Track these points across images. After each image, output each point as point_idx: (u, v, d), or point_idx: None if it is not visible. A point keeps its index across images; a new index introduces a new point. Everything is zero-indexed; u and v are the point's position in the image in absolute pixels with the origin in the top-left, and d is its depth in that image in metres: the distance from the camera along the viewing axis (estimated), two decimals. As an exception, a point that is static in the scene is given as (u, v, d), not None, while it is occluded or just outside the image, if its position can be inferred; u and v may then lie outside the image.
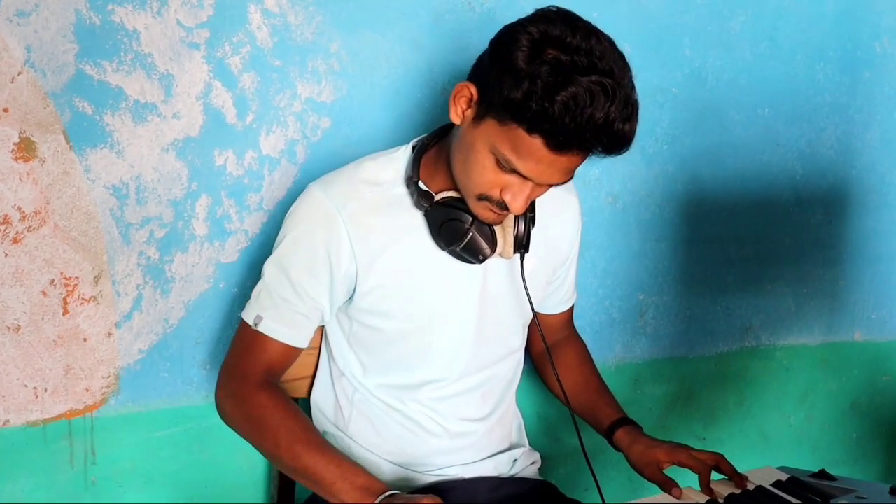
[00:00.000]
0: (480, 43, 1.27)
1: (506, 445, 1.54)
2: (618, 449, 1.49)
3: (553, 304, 1.63)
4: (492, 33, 1.24)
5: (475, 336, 1.44)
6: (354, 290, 1.38)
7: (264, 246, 1.60)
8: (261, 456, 1.62)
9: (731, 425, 2.26)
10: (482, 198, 1.27)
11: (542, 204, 1.40)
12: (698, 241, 2.08)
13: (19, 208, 1.42)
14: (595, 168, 1.91)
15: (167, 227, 1.54)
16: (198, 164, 1.54)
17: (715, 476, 1.39)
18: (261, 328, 1.36)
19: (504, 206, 1.26)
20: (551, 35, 1.14)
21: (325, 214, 1.34)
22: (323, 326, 1.48)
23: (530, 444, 1.61)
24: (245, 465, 1.68)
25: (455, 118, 1.26)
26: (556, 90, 1.11)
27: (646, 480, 1.44)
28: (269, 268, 1.38)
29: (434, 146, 1.38)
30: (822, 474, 1.42)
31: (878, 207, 2.33)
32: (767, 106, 2.10)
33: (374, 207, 1.35)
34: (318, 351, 1.54)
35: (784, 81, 2.10)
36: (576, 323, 1.72)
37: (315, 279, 1.35)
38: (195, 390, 1.61)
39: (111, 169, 1.48)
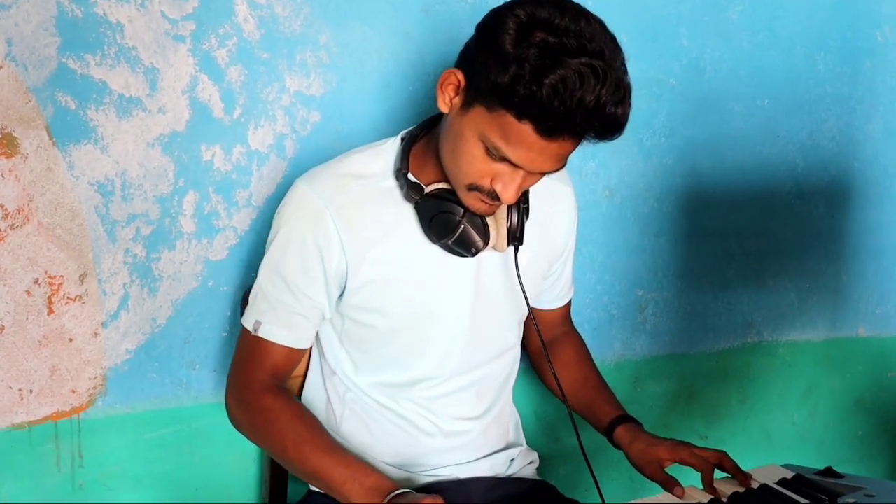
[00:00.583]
0: (472, 34, 1.24)
1: (502, 445, 1.52)
2: (618, 447, 1.47)
3: (550, 300, 1.60)
4: (484, 24, 1.22)
5: (469, 332, 1.41)
6: (345, 287, 1.36)
7: (254, 243, 1.58)
8: (253, 457, 1.65)
9: (733, 424, 2.25)
10: (472, 188, 1.24)
11: (536, 195, 1.37)
12: (698, 235, 2.07)
13: (1, 206, 1.40)
14: (592, 161, 1.90)
15: (154, 224, 1.52)
16: (185, 160, 1.52)
17: (718, 474, 1.37)
18: (261, 333, 1.34)
19: (495, 197, 1.24)
20: (539, 17, 1.12)
21: (312, 210, 1.32)
22: (313, 325, 1.45)
23: (528, 444, 1.59)
24: (236, 466, 1.66)
25: (443, 106, 1.23)
26: (545, 73, 1.09)
27: (647, 480, 1.41)
28: (262, 270, 1.36)
29: (423, 137, 1.36)
30: (829, 472, 1.40)
31: (882, 200, 2.31)
32: (767, 97, 2.08)
33: (362, 201, 1.33)
34: (308, 350, 1.50)
35: (784, 72, 2.09)
36: (574, 320, 1.69)
37: (309, 277, 1.33)
38: (184, 391, 1.59)
39: (95, 165, 1.46)
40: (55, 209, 1.44)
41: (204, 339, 1.59)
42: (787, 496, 1.29)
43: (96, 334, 1.50)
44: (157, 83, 1.48)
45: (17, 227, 1.41)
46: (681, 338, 2.11)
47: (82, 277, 1.48)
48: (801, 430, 2.35)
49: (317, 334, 1.46)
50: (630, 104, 1.15)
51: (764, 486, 1.33)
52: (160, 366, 1.57)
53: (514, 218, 1.32)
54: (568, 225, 1.52)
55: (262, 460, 1.65)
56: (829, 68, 2.14)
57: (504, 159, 1.18)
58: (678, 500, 1.31)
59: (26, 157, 1.40)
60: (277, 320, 1.34)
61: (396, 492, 1.17)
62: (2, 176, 1.39)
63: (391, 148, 1.37)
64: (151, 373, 1.56)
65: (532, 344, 1.62)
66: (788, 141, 2.13)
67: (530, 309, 1.39)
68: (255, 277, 1.38)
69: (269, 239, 1.36)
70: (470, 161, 1.21)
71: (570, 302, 1.64)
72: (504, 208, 1.32)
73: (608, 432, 1.48)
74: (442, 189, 1.30)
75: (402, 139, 1.36)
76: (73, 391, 1.50)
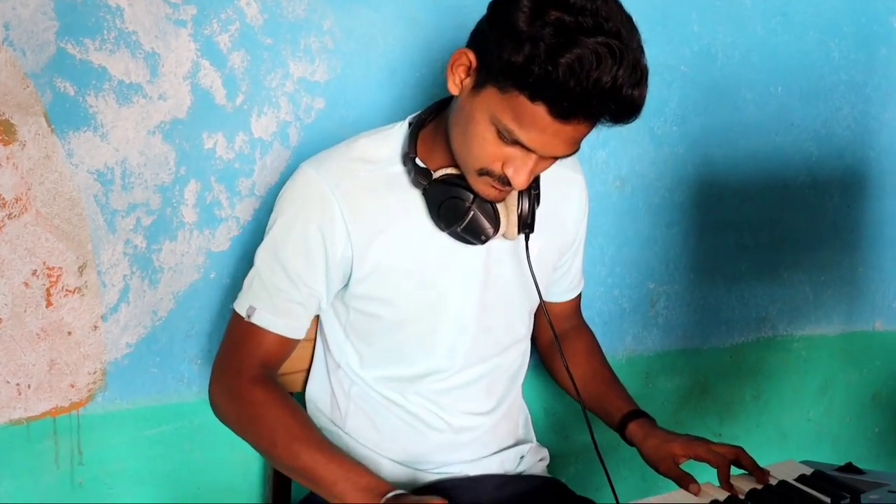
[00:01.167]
0: (483, 16, 1.21)
1: (512, 441, 1.49)
2: (630, 443, 1.44)
3: (560, 292, 1.57)
4: (492, 9, 1.19)
5: (478, 323, 1.38)
6: (350, 275, 1.32)
7: (256, 233, 1.55)
8: (256, 455, 1.62)
9: (747, 420, 2.23)
10: (483, 173, 1.21)
11: (546, 183, 1.34)
12: (710, 226, 2.05)
13: None
14: (602, 151, 1.88)
15: (154, 214, 1.50)
16: (186, 148, 1.50)
17: (735, 471, 1.34)
18: (254, 319, 1.30)
19: (506, 182, 1.20)
20: None
21: (317, 194, 1.28)
22: (318, 316, 1.42)
23: (538, 441, 1.56)
24: (239, 464, 1.63)
25: (453, 88, 1.20)
26: (560, 52, 1.05)
27: (660, 478, 1.38)
28: (260, 255, 1.33)
29: (432, 121, 1.33)
30: (850, 468, 1.36)
31: (898, 189, 2.30)
32: (780, 84, 2.06)
33: (369, 187, 1.30)
34: (312, 343, 1.48)
35: (797, 58, 2.06)
36: (584, 313, 1.67)
37: (310, 264, 1.30)
38: (186, 386, 1.57)
39: (95, 153, 1.44)
40: (54, 198, 1.42)
41: (206, 332, 1.57)
42: (808, 493, 1.26)
43: (96, 327, 1.48)
44: (158, 69, 1.45)
45: (14, 216, 1.39)
46: (693, 332, 2.09)
47: (81, 269, 1.46)
48: (817, 426, 2.33)
49: (321, 327, 1.44)
50: (647, 87, 1.12)
51: (783, 483, 1.30)
52: (161, 360, 1.54)
53: (525, 205, 1.29)
54: (579, 214, 1.49)
55: (259, 454, 1.62)
56: (844, 55, 2.12)
57: (516, 143, 1.15)
58: (694, 498, 1.28)
59: (24, 145, 1.38)
60: (273, 307, 1.30)
61: (393, 493, 1.14)
62: None
63: (399, 132, 1.33)
64: (152, 367, 1.54)
65: (542, 338, 1.60)
66: (802, 129, 2.11)
67: (542, 300, 1.36)
68: None
69: (270, 223, 1.33)
70: (481, 144, 1.18)
71: (580, 294, 1.61)
72: (514, 195, 1.28)
73: (620, 428, 1.45)
74: (451, 174, 1.27)
75: (410, 123, 1.33)
76: (72, 386, 1.48)
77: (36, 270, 1.42)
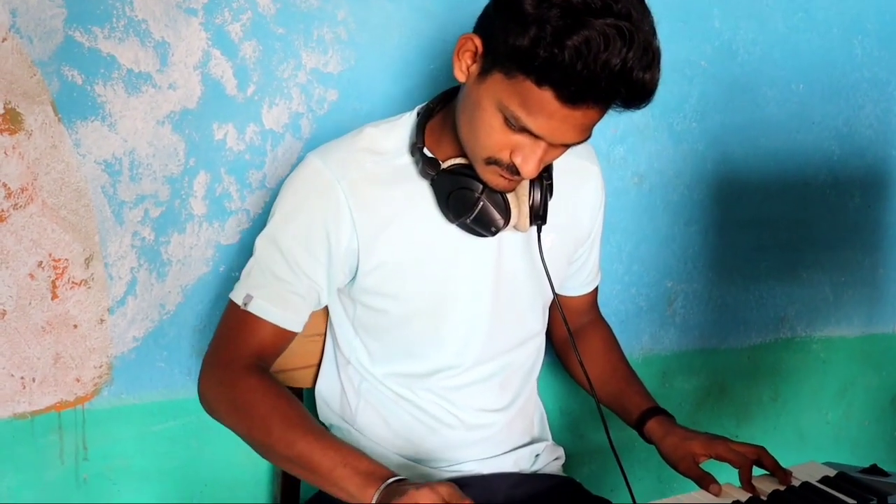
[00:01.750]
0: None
1: (527, 439, 1.46)
2: (649, 441, 1.41)
3: (575, 286, 1.54)
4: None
5: (490, 318, 1.35)
6: (357, 268, 1.29)
7: None
8: None
9: (765, 422, 2.21)
10: (491, 161, 1.18)
11: (560, 174, 1.31)
12: (729, 224, 2.03)
13: (4, 185, 1.37)
14: (620, 147, 1.86)
15: (163, 205, 1.48)
16: (196, 139, 1.48)
17: (756, 471, 1.31)
18: (251, 308, 1.26)
19: (515, 171, 1.17)
20: None
21: (323, 184, 1.26)
22: (327, 310, 1.39)
23: (553, 439, 1.53)
24: (247, 461, 1.61)
25: (459, 75, 1.17)
26: (567, 34, 1.02)
27: (676, 478, 1.35)
28: (261, 243, 1.30)
29: (440, 111, 1.30)
30: (874, 470, 1.33)
31: (921, 189, 2.28)
32: (802, 81, 2.04)
33: (376, 178, 1.27)
34: (322, 338, 1.45)
35: (819, 55, 2.04)
36: (600, 311, 1.64)
37: (311, 255, 1.27)
38: (193, 381, 1.52)
39: (103, 143, 1.43)
40: (60, 189, 1.40)
41: (214, 326, 1.49)
42: (832, 495, 1.23)
43: (102, 320, 1.47)
44: (168, 58, 1.44)
45: (20, 207, 1.38)
46: (711, 332, 2.08)
47: (88, 261, 1.44)
48: (836, 429, 2.32)
49: (330, 322, 1.41)
50: (659, 70, 1.09)
51: (806, 484, 1.27)
52: (169, 354, 1.53)
53: (537, 195, 1.26)
54: (595, 205, 1.46)
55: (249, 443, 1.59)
56: (867, 52, 2.10)
57: (524, 130, 1.12)
58: (714, 499, 1.25)
59: (31, 134, 1.37)
60: (271, 297, 1.26)
61: (394, 478, 1.09)
62: (5, 153, 1.36)
63: (406, 123, 1.31)
64: (159, 361, 1.53)
65: (557, 333, 1.57)
66: (824, 127, 2.09)
67: (555, 293, 1.32)
68: None
69: (272, 211, 1.30)
70: (488, 132, 1.15)
71: (596, 289, 1.58)
72: (526, 185, 1.25)
73: (639, 425, 1.42)
74: (459, 164, 1.24)
75: (418, 114, 1.31)
76: (78, 380, 1.47)
77: (42, 262, 1.41)
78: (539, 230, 1.28)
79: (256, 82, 1.50)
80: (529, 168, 1.15)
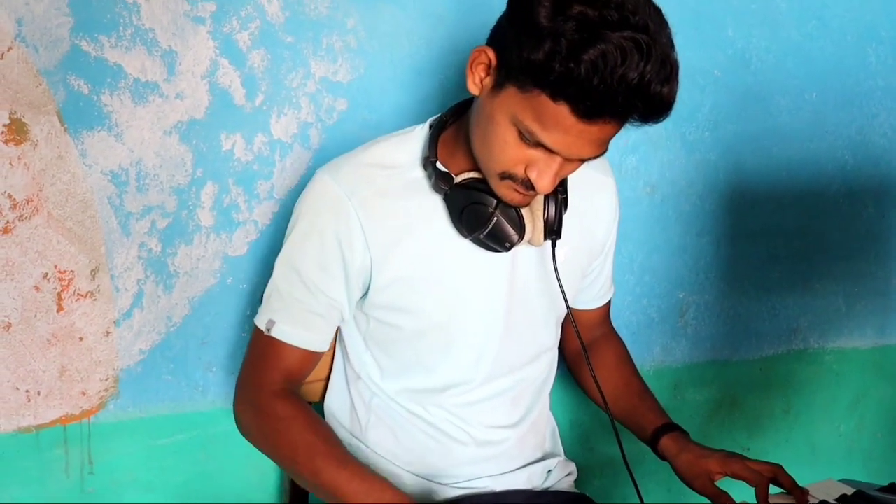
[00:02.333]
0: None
1: (539, 455, 1.45)
2: (663, 458, 1.39)
3: (588, 299, 1.52)
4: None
5: (503, 333, 1.33)
6: (370, 285, 1.28)
7: (275, 238, 1.53)
8: (272, 466, 1.61)
9: (776, 434, 2.20)
10: (505, 176, 1.16)
11: (574, 186, 1.30)
12: (742, 235, 2.01)
13: (10, 196, 1.36)
14: (632, 156, 1.84)
15: (170, 216, 1.47)
16: (203, 149, 1.47)
17: (772, 489, 1.29)
18: (274, 333, 1.27)
19: (530, 186, 1.15)
20: None
21: (334, 202, 1.24)
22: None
23: (565, 454, 1.52)
24: (254, 476, 1.61)
25: (472, 88, 1.15)
26: (583, 48, 1.00)
27: (687, 492, 1.34)
28: (278, 265, 1.30)
29: (453, 124, 1.28)
30: (893, 488, 1.31)
31: (935, 199, 2.26)
32: (815, 90, 2.02)
33: (388, 193, 1.26)
34: (332, 352, 1.44)
35: (833, 63, 2.02)
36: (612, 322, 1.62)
37: (328, 274, 1.26)
38: (200, 394, 1.55)
39: (109, 153, 1.42)
40: (66, 200, 1.40)
41: (222, 339, 1.55)
42: (851, 514, 1.21)
43: (108, 333, 1.46)
44: (175, 67, 1.43)
45: (25, 218, 1.37)
46: (723, 343, 2.06)
47: (94, 272, 1.43)
48: (848, 441, 2.30)
49: (340, 336, 1.40)
50: (677, 83, 1.07)
51: (824, 503, 1.25)
52: (175, 367, 1.52)
53: (552, 210, 1.24)
54: (609, 218, 1.44)
55: (282, 470, 1.59)
56: (881, 60, 2.08)
57: (539, 144, 1.10)
58: (730, 517, 1.24)
59: (36, 144, 1.36)
60: (292, 320, 1.27)
61: None
62: (10, 164, 1.35)
63: (419, 136, 1.29)
64: (166, 374, 1.52)
65: (569, 347, 1.55)
66: (837, 136, 2.07)
67: (569, 309, 1.31)
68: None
69: (287, 232, 1.29)
70: (502, 147, 1.13)
71: (609, 302, 1.57)
72: (540, 199, 1.24)
73: (653, 442, 1.40)
74: (473, 178, 1.23)
75: (430, 126, 1.29)
76: (83, 393, 1.46)
77: (47, 274, 1.40)
78: (554, 245, 1.26)
79: (265, 91, 1.49)
80: (545, 183, 1.14)
